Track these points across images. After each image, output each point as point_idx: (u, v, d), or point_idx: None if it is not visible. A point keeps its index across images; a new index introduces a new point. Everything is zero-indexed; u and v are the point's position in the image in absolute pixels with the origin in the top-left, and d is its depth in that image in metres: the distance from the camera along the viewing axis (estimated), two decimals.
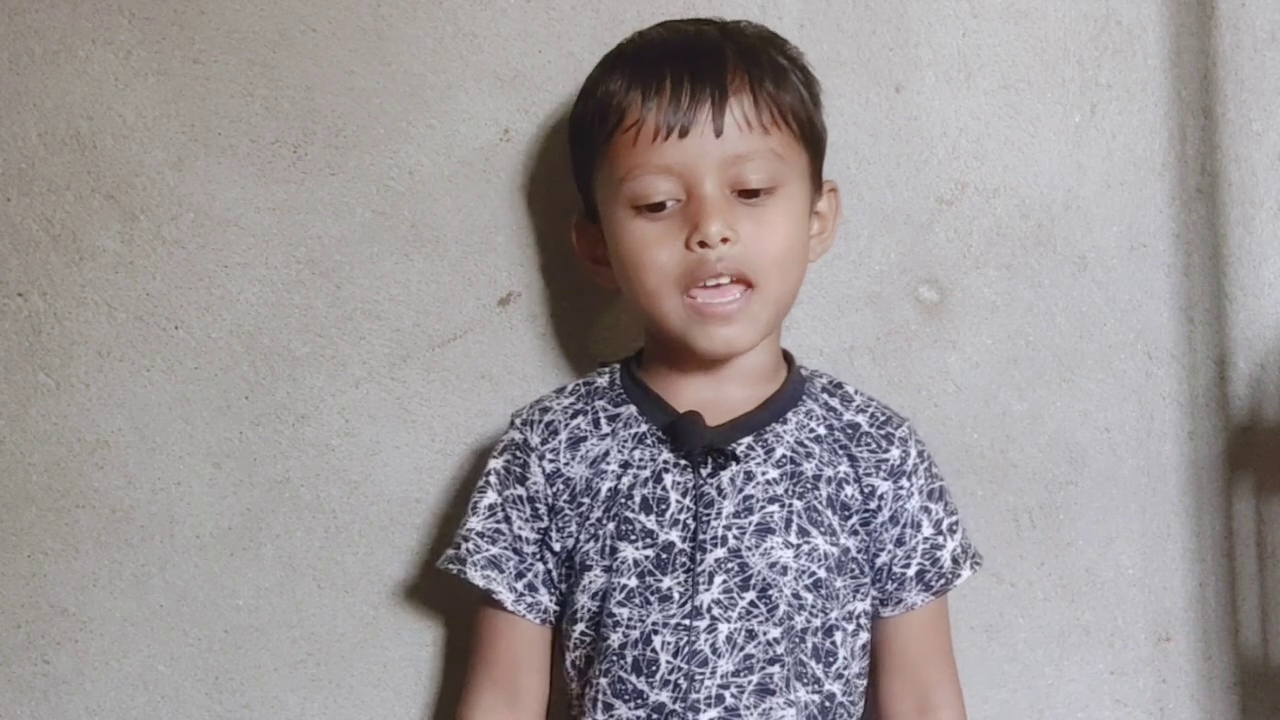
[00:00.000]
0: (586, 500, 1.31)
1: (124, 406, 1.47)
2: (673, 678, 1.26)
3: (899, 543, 1.33)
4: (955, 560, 1.34)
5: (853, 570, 1.31)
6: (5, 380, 1.48)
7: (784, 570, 1.28)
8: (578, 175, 1.35)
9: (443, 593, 1.47)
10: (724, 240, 1.25)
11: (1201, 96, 1.47)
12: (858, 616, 1.32)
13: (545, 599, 1.32)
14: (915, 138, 1.47)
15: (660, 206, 1.27)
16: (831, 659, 1.29)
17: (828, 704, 1.29)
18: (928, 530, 1.33)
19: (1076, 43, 1.47)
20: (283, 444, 1.47)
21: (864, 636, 1.32)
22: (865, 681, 1.34)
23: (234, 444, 1.47)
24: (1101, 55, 1.47)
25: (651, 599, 1.27)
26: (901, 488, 1.33)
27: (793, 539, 1.28)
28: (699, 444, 1.28)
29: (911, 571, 1.33)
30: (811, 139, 1.32)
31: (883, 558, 1.32)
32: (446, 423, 1.47)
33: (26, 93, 1.47)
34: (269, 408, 1.47)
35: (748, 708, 1.26)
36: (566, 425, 1.33)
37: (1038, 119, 1.47)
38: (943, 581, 1.34)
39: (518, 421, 1.35)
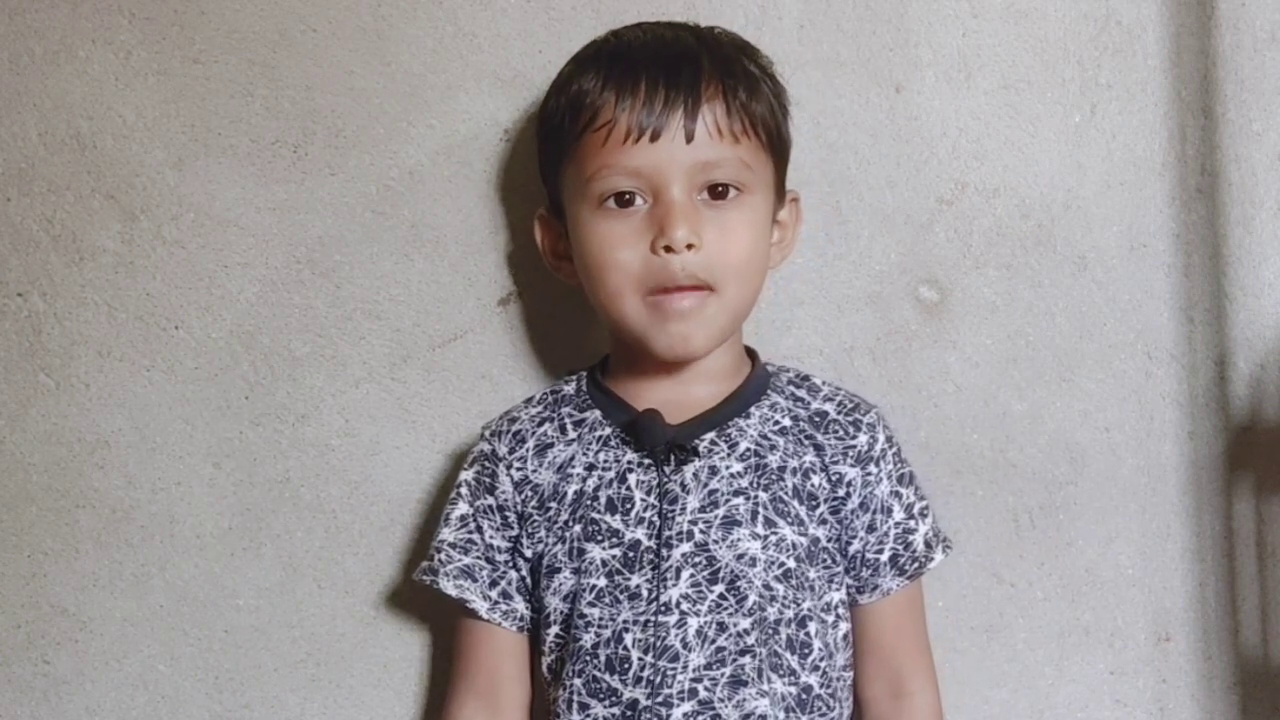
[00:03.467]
0: (554, 505, 1.32)
1: (124, 406, 1.47)
2: (645, 674, 1.27)
3: (870, 529, 1.34)
4: (928, 544, 1.36)
5: (824, 560, 1.32)
6: (5, 380, 1.48)
7: (753, 562, 1.29)
8: (544, 171, 1.37)
9: (442, 594, 1.47)
10: (689, 246, 1.26)
11: (1201, 96, 1.47)
12: (835, 607, 1.33)
13: (520, 606, 1.34)
14: (915, 138, 1.47)
15: (629, 201, 1.28)
16: (807, 650, 1.30)
17: (804, 696, 1.29)
18: (899, 515, 1.35)
19: (1076, 43, 1.47)
20: (283, 444, 1.47)
21: (844, 627, 1.33)
22: (851, 675, 1.35)
23: (234, 444, 1.47)
24: (1101, 55, 1.47)
25: (621, 597, 1.29)
26: (870, 474, 1.34)
27: (760, 530, 1.30)
28: (659, 441, 1.30)
29: (885, 557, 1.34)
30: (778, 149, 1.34)
31: (855, 545, 1.33)
32: (446, 423, 1.47)
33: (26, 93, 1.47)
34: (269, 408, 1.47)
35: (721, 700, 1.27)
36: (533, 433, 1.35)
37: (1038, 119, 1.47)
38: (916, 565, 1.35)
39: (487, 433, 1.37)
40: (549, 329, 1.47)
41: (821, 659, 1.31)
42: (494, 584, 1.34)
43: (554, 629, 1.31)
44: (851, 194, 1.47)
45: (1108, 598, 1.49)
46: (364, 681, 1.48)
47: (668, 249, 1.27)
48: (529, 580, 1.34)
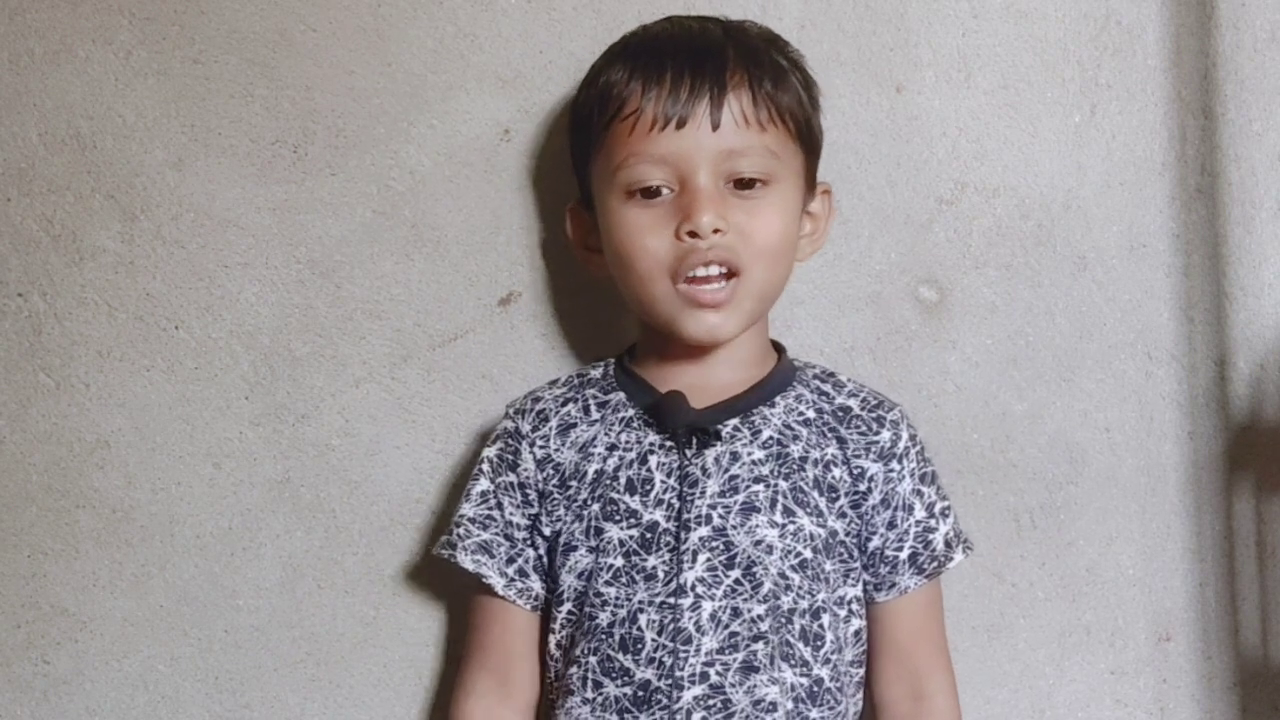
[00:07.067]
0: (575, 484, 1.33)
1: (124, 406, 1.47)
2: (657, 655, 1.28)
3: (891, 526, 1.34)
4: (948, 543, 1.36)
5: (841, 554, 1.32)
6: (5, 380, 1.48)
7: (769, 549, 1.29)
8: (575, 163, 1.37)
9: (443, 593, 1.47)
10: (715, 231, 1.27)
11: (1201, 96, 1.47)
12: (849, 602, 1.33)
13: (536, 585, 1.34)
14: (915, 138, 1.47)
15: (655, 193, 1.29)
16: (820, 642, 1.30)
17: (815, 688, 1.30)
18: (920, 513, 1.35)
19: (1076, 43, 1.47)
20: (283, 444, 1.47)
21: (856, 623, 1.33)
22: (861, 671, 1.35)
23: (234, 444, 1.47)
24: (1101, 55, 1.47)
25: (637, 578, 1.29)
26: (892, 470, 1.34)
27: (778, 518, 1.30)
28: (682, 421, 1.30)
29: (904, 555, 1.34)
30: (807, 140, 1.34)
31: (875, 541, 1.34)
32: (446, 423, 1.47)
33: (26, 93, 1.47)
34: (269, 408, 1.47)
35: (733, 685, 1.27)
36: (557, 413, 1.35)
37: (1038, 119, 1.48)
38: (935, 564, 1.35)
39: (511, 411, 1.37)
40: (549, 329, 1.47)
41: (833, 652, 1.31)
42: (511, 561, 1.34)
43: (566, 606, 1.32)
44: (851, 194, 1.47)
45: (1108, 598, 1.49)
46: (364, 681, 1.48)
47: (692, 234, 1.27)
48: (546, 559, 1.34)
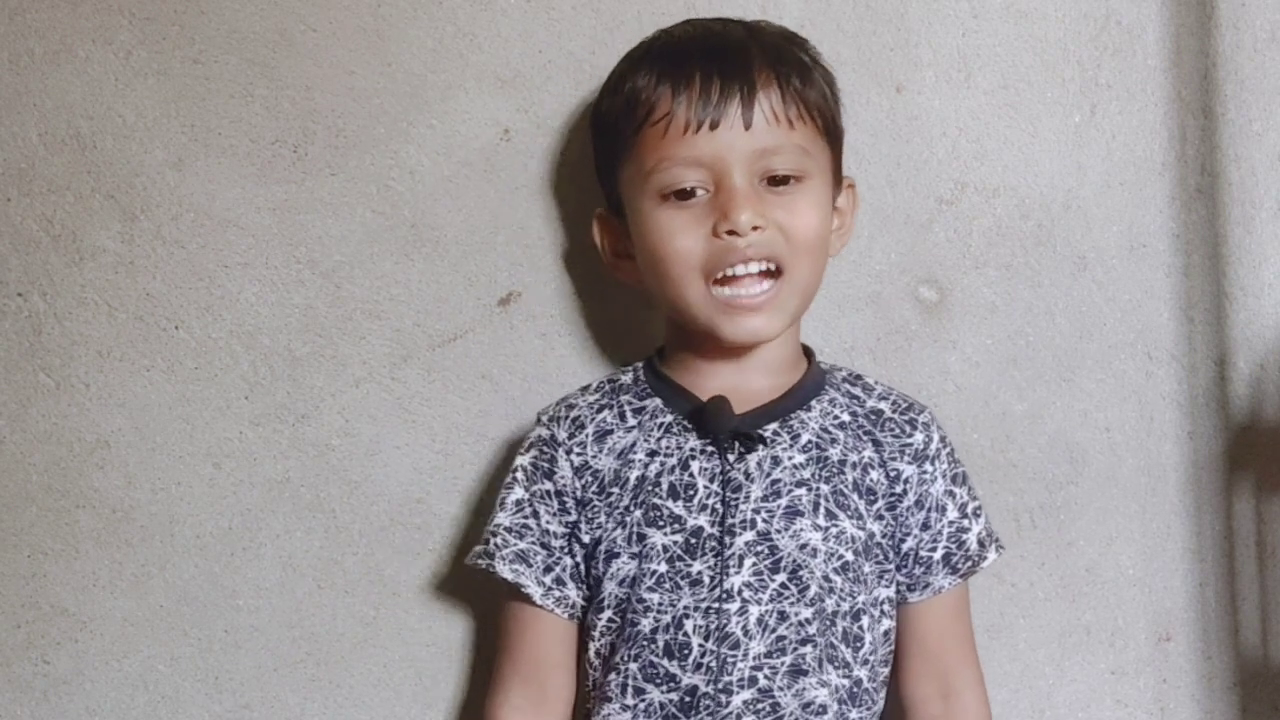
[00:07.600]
0: (615, 490, 1.32)
1: (124, 406, 1.47)
2: (704, 660, 1.28)
3: (925, 527, 1.34)
4: (981, 543, 1.36)
5: (877, 556, 1.33)
6: (5, 380, 1.48)
7: (814, 552, 1.30)
8: (601, 170, 1.37)
9: (443, 593, 1.47)
10: (755, 229, 1.27)
11: (1201, 96, 1.47)
12: (881, 603, 1.33)
13: (573, 593, 1.33)
14: (915, 138, 1.48)
15: (690, 194, 1.29)
16: (859, 644, 1.31)
17: (856, 689, 1.31)
18: (953, 514, 1.35)
19: (1076, 43, 1.47)
20: (283, 444, 1.47)
21: (886, 624, 1.34)
22: (887, 670, 1.35)
23: (234, 444, 1.47)
24: (1101, 55, 1.47)
25: (682, 583, 1.29)
26: (925, 472, 1.34)
27: (821, 522, 1.30)
28: (726, 427, 1.30)
29: (938, 555, 1.35)
30: (833, 135, 1.35)
31: (909, 543, 1.34)
32: (446, 423, 1.47)
33: (26, 93, 1.47)
34: (269, 408, 1.47)
35: (781, 688, 1.28)
36: (593, 419, 1.35)
37: (1038, 119, 1.48)
38: (969, 564, 1.35)
39: (544, 418, 1.37)
40: (549, 329, 1.47)
41: (870, 653, 1.32)
42: (548, 569, 1.33)
43: (607, 614, 1.31)
44: None
45: (1108, 598, 1.49)
46: (364, 681, 1.48)
47: (731, 233, 1.27)
48: (583, 567, 1.33)
